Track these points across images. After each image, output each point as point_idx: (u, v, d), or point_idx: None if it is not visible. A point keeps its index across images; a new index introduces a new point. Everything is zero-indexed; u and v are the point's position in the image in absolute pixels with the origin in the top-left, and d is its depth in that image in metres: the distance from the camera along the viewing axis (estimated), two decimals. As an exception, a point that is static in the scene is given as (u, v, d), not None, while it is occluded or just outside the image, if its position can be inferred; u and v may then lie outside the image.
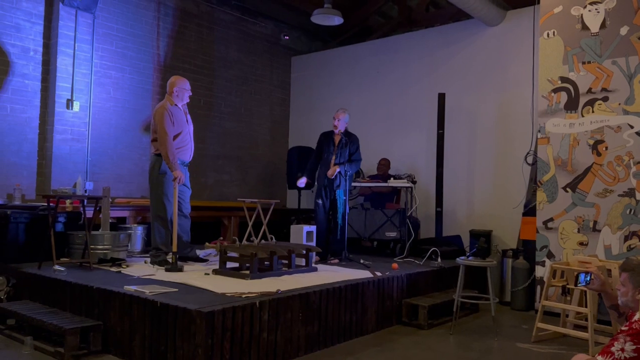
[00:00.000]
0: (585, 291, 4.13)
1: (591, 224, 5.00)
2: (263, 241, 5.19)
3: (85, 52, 6.27)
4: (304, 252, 4.86)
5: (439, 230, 6.51)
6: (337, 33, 8.89)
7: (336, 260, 5.54)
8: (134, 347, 3.43)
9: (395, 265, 5.27)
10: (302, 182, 5.85)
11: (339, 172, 5.65)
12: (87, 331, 3.51)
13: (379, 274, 4.73)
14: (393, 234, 6.24)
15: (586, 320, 4.09)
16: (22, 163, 5.88)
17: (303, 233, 5.67)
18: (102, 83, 6.47)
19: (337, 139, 5.81)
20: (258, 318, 3.38)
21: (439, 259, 5.64)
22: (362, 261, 5.41)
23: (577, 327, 4.42)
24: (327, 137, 5.88)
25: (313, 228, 5.74)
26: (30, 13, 5.93)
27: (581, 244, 5.05)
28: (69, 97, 6.11)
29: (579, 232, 5.07)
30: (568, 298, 4.49)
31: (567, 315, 4.54)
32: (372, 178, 7.06)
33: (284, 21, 8.67)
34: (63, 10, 6.03)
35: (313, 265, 4.93)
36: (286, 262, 4.69)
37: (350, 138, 5.80)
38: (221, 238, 6.79)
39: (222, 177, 7.93)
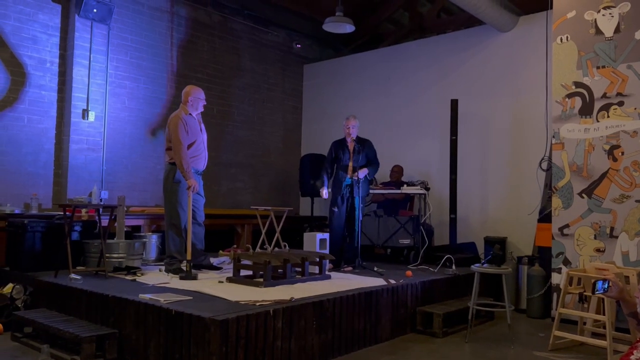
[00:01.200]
0: (603, 298, 4.07)
1: (608, 230, 4.93)
2: (276, 249, 5.20)
3: (101, 62, 6.36)
4: (318, 259, 4.86)
5: (453, 237, 6.46)
6: (349, 41, 8.92)
7: (349, 268, 5.52)
8: (149, 355, 3.44)
9: (409, 272, 5.24)
10: (325, 193, 5.81)
11: (362, 176, 5.64)
12: (103, 339, 3.54)
13: (392, 281, 4.71)
14: (407, 241, 6.21)
15: (604, 328, 4.03)
16: (38, 172, 5.97)
17: (316, 240, 5.67)
18: (117, 93, 6.55)
19: (351, 146, 5.80)
20: (272, 326, 3.38)
21: (454, 266, 5.60)
22: (375, 269, 5.39)
23: (595, 335, 4.35)
24: (340, 145, 5.86)
25: (326, 236, 5.74)
26: (46, 25, 6.04)
27: (598, 250, 4.98)
28: (85, 107, 6.19)
29: (595, 238, 5.00)
30: (585, 305, 4.43)
31: (584, 323, 4.47)
32: (385, 185, 7.04)
33: (296, 30, 8.72)
34: (79, 22, 6.13)
35: (326, 273, 4.92)
36: (299, 269, 4.69)
37: (364, 144, 5.79)
38: (235, 246, 6.81)
39: (235, 185, 7.97)
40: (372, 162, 5.79)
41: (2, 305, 4.32)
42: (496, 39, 6.95)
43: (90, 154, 6.24)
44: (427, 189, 6.53)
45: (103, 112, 6.37)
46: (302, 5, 8.03)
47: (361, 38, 8.78)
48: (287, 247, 5.25)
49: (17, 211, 5.40)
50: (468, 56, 7.22)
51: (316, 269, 4.86)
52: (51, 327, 3.71)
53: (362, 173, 5.65)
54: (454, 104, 6.54)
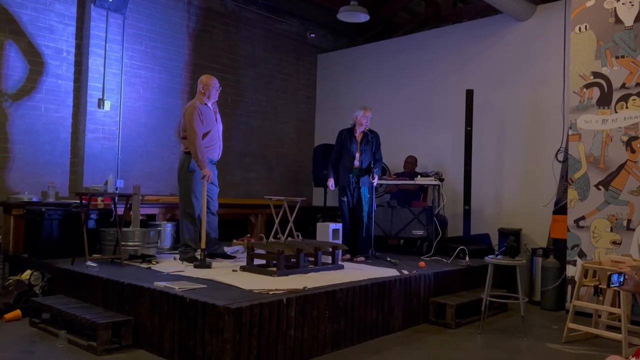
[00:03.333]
0: (618, 291, 4.03)
1: (625, 223, 4.87)
2: (289, 239, 5.22)
3: (116, 52, 6.39)
4: (330, 249, 4.87)
5: (467, 228, 6.43)
6: (363, 30, 8.85)
7: (362, 258, 5.53)
8: (164, 342, 3.49)
9: (422, 263, 5.24)
10: (332, 184, 5.83)
11: (376, 183, 5.66)
12: (119, 326, 3.59)
13: (405, 272, 4.71)
14: (420, 232, 6.20)
15: (619, 321, 3.99)
16: (55, 161, 6.04)
17: (329, 231, 5.67)
18: (132, 82, 6.59)
19: (359, 136, 5.75)
20: (285, 315, 3.40)
21: (467, 258, 5.58)
22: (388, 259, 5.39)
23: (609, 328, 4.32)
24: (348, 134, 5.82)
25: (339, 226, 5.74)
26: (63, 15, 6.08)
27: (614, 243, 4.93)
28: (101, 97, 6.24)
29: (611, 230, 4.95)
30: (600, 298, 4.39)
31: (599, 316, 4.44)
32: (399, 176, 7.02)
33: (310, 19, 8.68)
34: (94, 11, 6.16)
35: (339, 262, 4.94)
36: (312, 259, 4.70)
37: (374, 135, 5.75)
38: (248, 235, 6.83)
39: (248, 175, 8.00)
40: (376, 154, 5.74)
41: (20, 292, 4.40)
42: (513, 28, 6.85)
43: (106, 143, 6.30)
44: (441, 180, 6.48)
45: (118, 101, 6.42)
46: (317, -6, 7.99)
47: (376, 27, 8.71)
48: (300, 237, 5.26)
49: (34, 199, 5.47)
50: (484, 46, 7.13)
51: (329, 259, 4.87)
52: (68, 314, 3.78)
53: (376, 180, 5.66)
54: (470, 94, 6.47)
